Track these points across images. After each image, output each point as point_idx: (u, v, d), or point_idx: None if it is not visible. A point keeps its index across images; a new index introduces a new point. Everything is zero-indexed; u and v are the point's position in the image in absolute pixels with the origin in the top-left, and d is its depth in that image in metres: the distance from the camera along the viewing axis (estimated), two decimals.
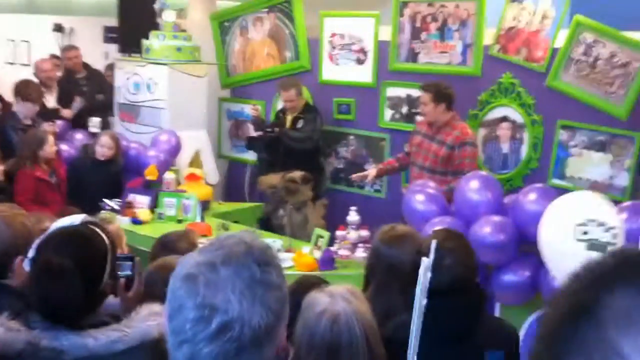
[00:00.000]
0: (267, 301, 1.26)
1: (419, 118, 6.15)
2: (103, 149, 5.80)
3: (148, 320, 1.95)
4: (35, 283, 1.91)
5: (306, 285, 2.39)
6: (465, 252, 2.54)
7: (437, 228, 3.19)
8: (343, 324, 1.85)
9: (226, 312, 1.22)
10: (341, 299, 1.89)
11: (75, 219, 2.05)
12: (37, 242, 1.99)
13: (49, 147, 5.53)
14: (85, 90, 7.42)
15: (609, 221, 3.67)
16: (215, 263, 1.25)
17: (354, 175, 6.05)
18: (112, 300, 2.20)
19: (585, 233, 3.63)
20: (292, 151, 6.23)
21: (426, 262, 1.96)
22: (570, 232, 3.67)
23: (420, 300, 1.92)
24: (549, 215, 3.85)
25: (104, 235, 2.04)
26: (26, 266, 2.00)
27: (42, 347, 1.83)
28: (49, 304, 1.88)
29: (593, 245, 3.61)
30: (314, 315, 1.88)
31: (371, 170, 5.95)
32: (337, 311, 1.86)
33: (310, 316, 1.89)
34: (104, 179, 5.83)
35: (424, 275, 1.93)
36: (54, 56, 7.84)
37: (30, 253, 1.99)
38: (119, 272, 2.16)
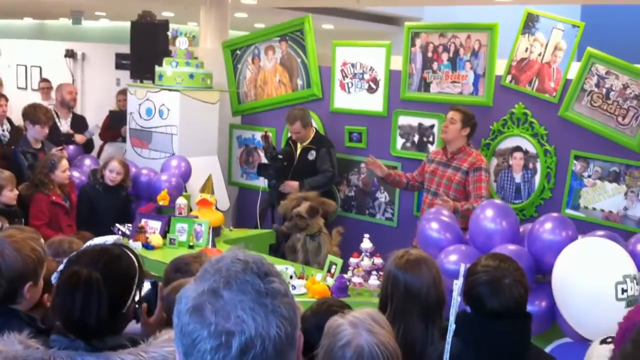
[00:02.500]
0: (278, 310, 1.23)
1: (431, 147, 6.16)
2: (112, 174, 5.83)
3: (167, 346, 1.89)
4: (60, 292, 1.89)
5: (327, 308, 2.36)
6: (521, 272, 2.48)
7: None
8: (367, 358, 1.82)
9: (243, 332, 1.19)
10: (364, 329, 1.86)
11: (109, 239, 2.04)
12: (68, 257, 1.98)
13: (62, 172, 5.54)
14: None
15: (635, 272, 3.54)
16: (217, 288, 1.23)
17: (370, 157, 5.90)
18: (133, 325, 2.17)
19: (624, 291, 3.45)
20: (303, 179, 6.24)
21: (458, 286, 1.93)
22: (612, 292, 3.45)
23: (450, 324, 1.89)
24: (585, 272, 3.62)
25: (134, 258, 2.02)
26: (54, 279, 1.98)
27: None
28: (72, 314, 1.85)
29: (631, 302, 3.42)
30: (338, 347, 1.86)
31: (382, 166, 5.88)
32: (360, 344, 1.84)
33: (334, 348, 1.87)
34: (113, 203, 5.87)
35: (456, 298, 1.90)
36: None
37: (60, 267, 1.97)
38: (142, 297, 2.14)
